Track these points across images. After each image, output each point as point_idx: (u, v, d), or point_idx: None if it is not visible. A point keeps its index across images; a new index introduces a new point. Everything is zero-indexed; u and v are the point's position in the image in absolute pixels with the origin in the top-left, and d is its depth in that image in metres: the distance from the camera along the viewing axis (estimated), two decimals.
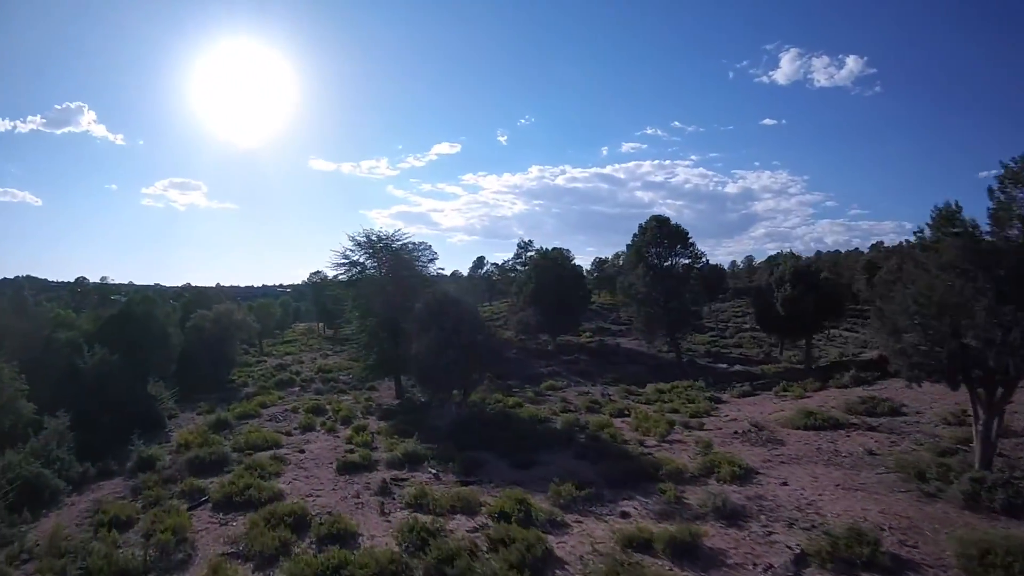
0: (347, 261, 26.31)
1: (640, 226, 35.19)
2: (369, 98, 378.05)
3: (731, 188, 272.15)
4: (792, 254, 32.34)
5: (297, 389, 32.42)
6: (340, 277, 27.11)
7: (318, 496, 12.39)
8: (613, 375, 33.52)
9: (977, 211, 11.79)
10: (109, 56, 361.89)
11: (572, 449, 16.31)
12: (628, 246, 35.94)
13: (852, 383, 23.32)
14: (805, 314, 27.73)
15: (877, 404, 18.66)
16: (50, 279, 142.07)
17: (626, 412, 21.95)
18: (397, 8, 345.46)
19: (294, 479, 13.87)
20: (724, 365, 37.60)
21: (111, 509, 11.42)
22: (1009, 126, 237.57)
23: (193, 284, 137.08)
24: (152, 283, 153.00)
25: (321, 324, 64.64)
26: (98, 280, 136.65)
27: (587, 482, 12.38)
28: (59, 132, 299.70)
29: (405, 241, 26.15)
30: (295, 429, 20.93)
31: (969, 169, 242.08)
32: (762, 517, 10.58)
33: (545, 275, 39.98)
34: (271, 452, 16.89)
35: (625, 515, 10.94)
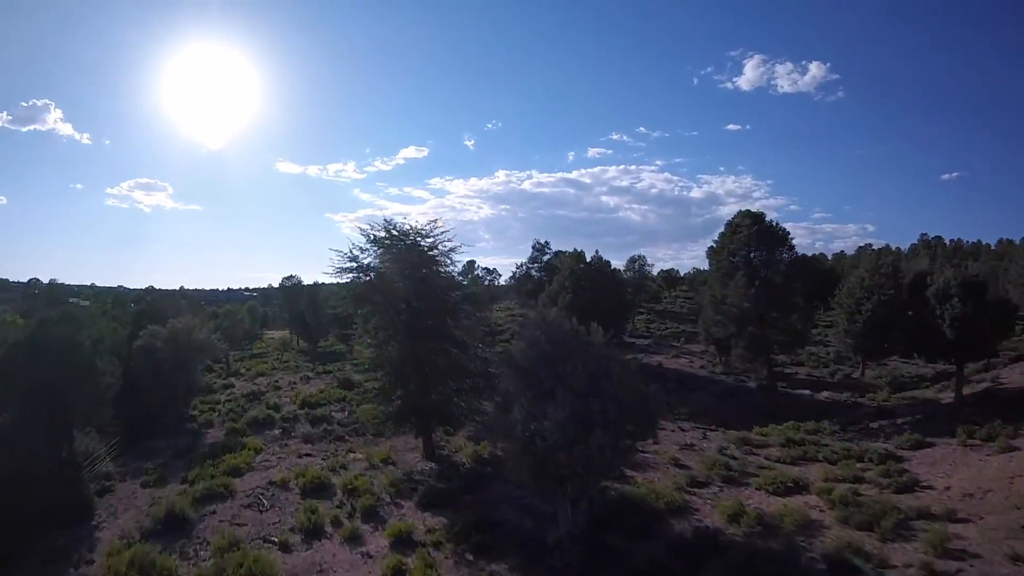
0: (355, 266, 18.60)
1: (729, 224, 28.17)
2: (337, 101, 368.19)
3: (696, 193, 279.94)
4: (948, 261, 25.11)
5: (278, 432, 24.59)
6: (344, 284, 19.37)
7: None
8: (684, 409, 26.54)
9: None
10: (77, 55, 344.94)
11: None
12: (711, 248, 28.85)
13: None
14: (979, 336, 21.23)
15: None
16: (10, 279, 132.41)
17: (792, 484, 15.47)
18: (366, 12, 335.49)
19: None
20: (807, 391, 30.94)
21: None
22: (969, 130, 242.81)
23: (157, 287, 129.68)
24: (115, 285, 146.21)
25: (296, 337, 56.21)
26: (57, 282, 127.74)
27: None
28: (24, 130, 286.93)
29: (437, 237, 18.53)
30: (292, 530, 13.36)
31: (931, 172, 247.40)
32: None
33: (583, 284, 32.47)
34: None
35: None
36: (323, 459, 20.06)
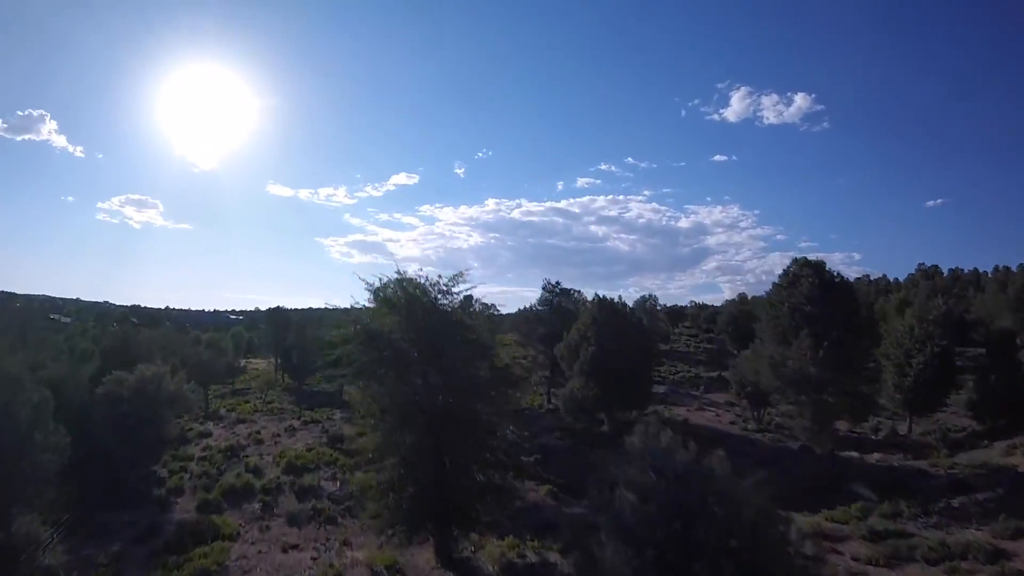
0: (359, 328, 15.09)
1: (785, 273, 24.97)
2: (329, 126, 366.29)
3: (683, 223, 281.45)
4: None
5: (258, 507, 21.12)
6: (344, 350, 15.82)
7: None
8: None
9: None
10: (75, 69, 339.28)
11: None
12: (765, 300, 25.22)
13: None
14: None
15: None
16: None
17: None
18: (359, 39, 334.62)
19: None
20: (855, 453, 27.74)
21: None
22: (953, 157, 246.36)
23: (143, 305, 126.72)
24: (101, 300, 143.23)
25: (282, 373, 52.40)
26: (33, 294, 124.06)
27: None
28: (19, 139, 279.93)
29: (462, 293, 15.13)
30: None
31: (915, 200, 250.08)
32: None
33: (607, 333, 28.96)
34: None
35: None
36: (312, 556, 16.62)
